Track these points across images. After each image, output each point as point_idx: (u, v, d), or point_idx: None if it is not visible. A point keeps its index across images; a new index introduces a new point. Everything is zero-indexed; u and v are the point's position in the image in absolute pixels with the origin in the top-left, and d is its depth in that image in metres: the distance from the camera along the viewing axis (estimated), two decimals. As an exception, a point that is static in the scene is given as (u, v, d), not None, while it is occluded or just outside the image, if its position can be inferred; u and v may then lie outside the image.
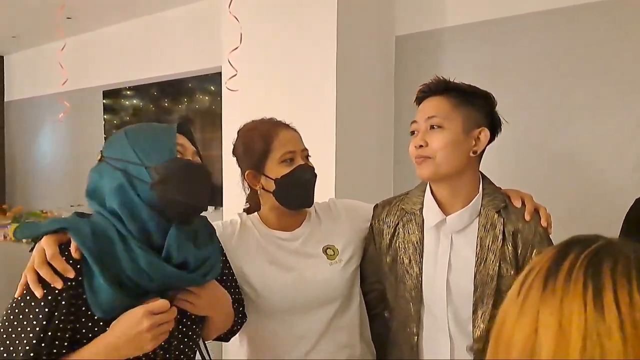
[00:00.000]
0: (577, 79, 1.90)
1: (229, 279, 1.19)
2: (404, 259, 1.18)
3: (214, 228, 1.12)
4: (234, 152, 1.33)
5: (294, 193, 1.24)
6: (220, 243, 1.13)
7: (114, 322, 0.90)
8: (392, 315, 1.24)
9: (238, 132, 1.33)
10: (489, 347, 0.54)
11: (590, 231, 0.55)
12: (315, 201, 1.38)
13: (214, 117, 3.17)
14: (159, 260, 0.93)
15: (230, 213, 2.39)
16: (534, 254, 1.10)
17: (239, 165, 1.32)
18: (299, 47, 2.12)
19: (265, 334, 1.26)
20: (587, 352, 0.44)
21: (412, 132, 1.17)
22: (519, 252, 1.10)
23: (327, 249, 1.29)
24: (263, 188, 1.26)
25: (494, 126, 1.17)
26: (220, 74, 2.99)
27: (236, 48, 1.77)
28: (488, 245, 1.11)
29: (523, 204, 1.15)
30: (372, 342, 1.40)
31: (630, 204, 1.32)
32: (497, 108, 1.18)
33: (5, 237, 4.14)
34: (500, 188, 1.19)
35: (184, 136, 1.05)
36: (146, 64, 3.59)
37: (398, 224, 1.21)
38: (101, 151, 1.01)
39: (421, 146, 1.12)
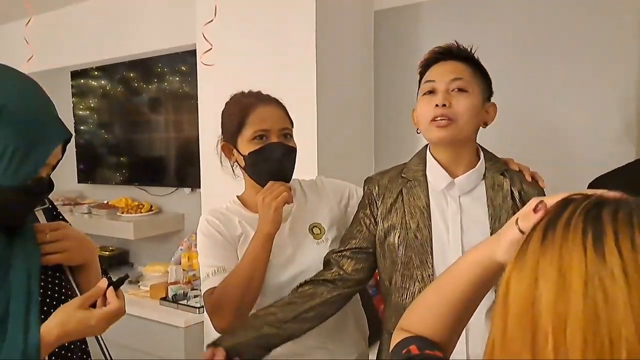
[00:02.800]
0: (557, 54, 1.89)
1: None
2: (411, 224, 1.15)
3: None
4: (221, 122, 1.31)
5: (265, 170, 1.22)
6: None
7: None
8: (390, 283, 1.20)
9: (226, 102, 1.32)
10: (495, 306, 0.52)
11: None
12: (301, 178, 1.36)
13: (185, 99, 3.09)
14: None
15: (207, 195, 2.34)
16: None
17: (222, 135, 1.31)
18: (277, 21, 2.05)
19: None
20: (589, 297, 0.43)
21: (429, 92, 1.13)
22: None
23: (313, 227, 1.29)
24: (237, 162, 1.25)
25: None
26: (192, 52, 2.91)
27: (210, 21, 1.71)
28: (499, 204, 1.12)
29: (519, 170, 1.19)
30: (364, 316, 1.39)
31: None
32: None
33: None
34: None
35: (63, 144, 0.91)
36: (115, 43, 3.46)
37: (401, 190, 1.19)
38: None
39: (444, 105, 1.09)
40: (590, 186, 1.39)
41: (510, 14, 1.98)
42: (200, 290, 2.53)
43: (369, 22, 2.27)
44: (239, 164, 1.26)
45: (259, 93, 1.30)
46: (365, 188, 1.25)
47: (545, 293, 0.46)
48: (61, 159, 0.93)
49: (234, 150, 1.25)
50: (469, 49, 1.16)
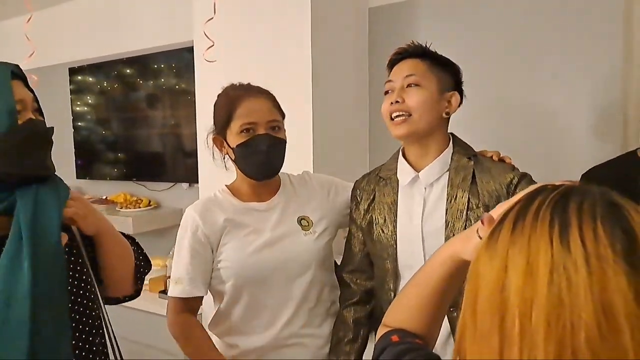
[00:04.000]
0: (548, 48, 1.93)
1: None
2: (379, 219, 1.22)
3: (66, 190, 1.03)
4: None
5: (253, 162, 1.25)
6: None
7: None
8: (374, 275, 1.29)
9: (218, 94, 1.34)
10: (465, 292, 0.56)
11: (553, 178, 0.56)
12: (290, 173, 1.39)
13: (181, 95, 3.12)
14: None
15: (205, 190, 2.37)
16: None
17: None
18: (273, 18, 2.09)
19: (246, 305, 1.26)
20: (554, 284, 0.46)
21: (386, 92, 1.20)
22: (491, 186, 1.14)
23: (301, 219, 1.31)
24: (228, 154, 1.27)
25: (461, 95, 1.23)
26: (188, 49, 2.94)
27: (211, 19, 1.74)
28: (458, 184, 1.15)
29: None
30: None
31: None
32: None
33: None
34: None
35: (20, 81, 0.93)
36: (112, 40, 3.48)
37: (375, 189, 1.26)
38: None
39: (397, 102, 1.15)
40: (583, 177, 1.44)
41: (503, 9, 2.02)
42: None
43: (364, 18, 2.31)
44: (229, 156, 1.29)
45: (248, 85, 1.32)
46: (352, 192, 1.33)
47: (514, 280, 0.49)
48: (33, 96, 0.95)
49: (224, 143, 1.27)
50: (424, 45, 1.22)
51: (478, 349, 0.51)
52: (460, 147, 1.22)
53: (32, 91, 0.96)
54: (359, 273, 1.31)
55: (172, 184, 3.11)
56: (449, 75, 1.20)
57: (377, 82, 2.32)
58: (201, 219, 1.25)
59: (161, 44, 3.19)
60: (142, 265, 1.17)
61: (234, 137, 1.24)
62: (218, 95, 1.33)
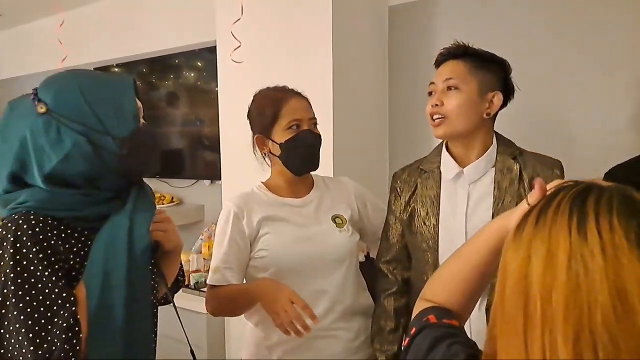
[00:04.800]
0: (568, 47, 1.93)
1: None
2: (421, 211, 1.26)
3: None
4: (248, 116, 1.40)
5: (299, 156, 1.32)
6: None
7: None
8: (411, 266, 1.32)
9: (253, 97, 1.40)
10: (496, 281, 0.60)
11: None
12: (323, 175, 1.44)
13: (202, 93, 3.17)
14: None
15: (228, 187, 2.42)
16: None
17: (251, 129, 1.38)
18: (294, 18, 2.12)
19: None
20: (572, 270, 0.51)
21: (430, 93, 1.25)
22: None
23: (335, 217, 1.38)
24: (270, 152, 1.32)
25: (508, 91, 1.25)
26: (208, 49, 2.99)
27: (238, 19, 1.78)
28: (505, 188, 1.19)
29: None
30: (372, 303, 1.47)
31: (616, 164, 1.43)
32: None
33: None
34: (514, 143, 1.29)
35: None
36: (135, 40, 3.56)
37: (417, 182, 1.29)
38: (42, 100, 0.93)
39: (437, 105, 1.20)
40: (607, 175, 1.44)
41: (523, 7, 2.02)
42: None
43: (384, 17, 2.33)
44: (272, 153, 1.34)
45: (285, 87, 1.39)
46: (392, 182, 1.36)
47: (536, 267, 0.53)
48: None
49: (268, 141, 1.33)
50: (466, 45, 1.24)
51: (506, 331, 0.55)
52: (505, 145, 1.25)
53: (142, 100, 1.06)
54: (396, 263, 1.34)
55: (194, 180, 3.17)
56: (492, 74, 1.22)
57: (396, 80, 2.34)
58: (240, 212, 1.32)
59: (183, 44, 3.25)
60: (180, 281, 1.23)
61: (281, 134, 1.31)
62: (255, 99, 1.39)
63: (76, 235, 0.96)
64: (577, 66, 1.92)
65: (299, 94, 1.37)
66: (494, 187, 1.20)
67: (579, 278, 0.50)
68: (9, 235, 0.88)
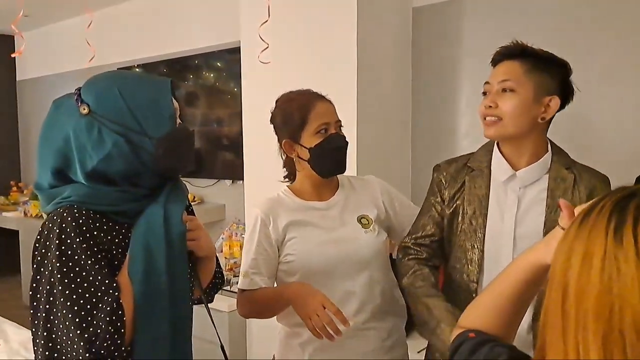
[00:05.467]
0: (599, 45, 1.90)
1: None
2: (468, 210, 1.23)
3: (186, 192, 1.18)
4: (272, 121, 1.39)
5: (328, 160, 1.33)
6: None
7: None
8: (448, 263, 1.29)
9: (276, 101, 1.40)
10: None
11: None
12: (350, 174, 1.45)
13: (223, 94, 3.20)
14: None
15: (250, 186, 2.44)
16: None
17: (276, 134, 1.37)
18: (320, 20, 2.13)
19: None
20: (605, 272, 0.52)
21: (484, 93, 1.22)
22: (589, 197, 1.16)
23: (361, 218, 1.38)
24: (299, 156, 1.32)
25: (567, 94, 1.21)
26: (228, 50, 3.03)
27: (266, 21, 1.79)
28: (558, 197, 1.16)
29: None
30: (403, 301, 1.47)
31: None
32: None
33: (25, 214, 4.23)
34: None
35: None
36: (158, 42, 3.60)
37: (465, 179, 1.26)
38: (84, 101, 0.98)
39: (490, 107, 1.17)
40: (638, 180, 1.41)
41: (549, 7, 2.01)
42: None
43: (408, 18, 2.33)
44: (301, 158, 1.34)
45: (309, 90, 1.38)
46: (435, 176, 1.32)
47: (574, 267, 0.55)
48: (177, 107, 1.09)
49: (297, 146, 1.33)
50: (524, 44, 1.19)
51: (550, 328, 0.57)
52: (559, 154, 1.22)
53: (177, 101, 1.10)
54: (426, 248, 1.30)
55: (216, 180, 3.20)
56: (550, 76, 1.18)
57: (419, 80, 2.34)
58: (266, 218, 1.33)
59: (205, 46, 3.29)
60: (217, 283, 1.25)
61: (310, 139, 1.31)
62: (280, 104, 1.38)
63: (117, 227, 1.01)
64: (610, 68, 1.89)
65: (323, 98, 1.36)
66: (547, 195, 1.18)
67: (612, 280, 0.52)
68: (55, 227, 0.94)
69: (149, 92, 1.01)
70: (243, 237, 2.80)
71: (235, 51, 2.88)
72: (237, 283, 2.55)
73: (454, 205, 1.26)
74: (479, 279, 1.21)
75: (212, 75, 3.33)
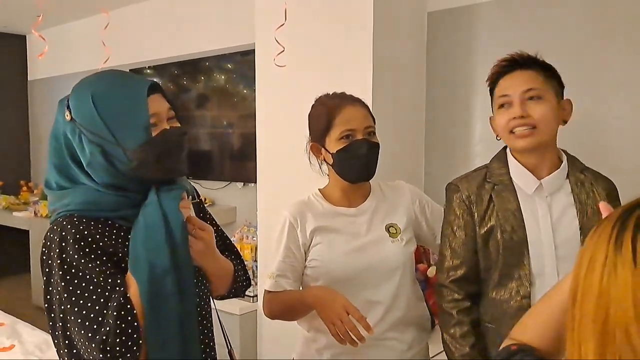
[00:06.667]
0: (614, 54, 1.89)
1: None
2: (506, 227, 1.21)
3: (194, 191, 1.15)
4: (308, 121, 1.40)
5: (351, 166, 1.32)
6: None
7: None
8: (489, 280, 1.25)
9: (314, 103, 1.40)
10: None
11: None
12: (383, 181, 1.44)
13: (231, 96, 3.20)
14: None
15: (263, 190, 2.44)
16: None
17: (309, 135, 1.40)
18: (336, 24, 2.13)
19: None
20: (604, 277, 0.55)
21: (502, 106, 1.21)
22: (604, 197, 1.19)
23: (389, 227, 1.37)
24: (324, 160, 1.33)
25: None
26: (240, 53, 3.03)
27: (282, 25, 1.79)
28: (584, 200, 1.20)
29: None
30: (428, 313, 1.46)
31: None
32: None
33: (35, 214, 4.25)
34: None
35: (159, 94, 1.02)
36: (171, 43, 3.61)
37: (491, 194, 1.24)
38: (69, 107, 0.98)
39: (522, 117, 1.16)
40: None
41: (564, 13, 1.99)
42: (253, 281, 2.65)
43: (423, 23, 2.32)
44: (326, 161, 1.35)
45: (343, 94, 1.38)
46: (455, 196, 1.27)
47: (581, 272, 0.58)
48: (171, 107, 1.04)
49: (322, 150, 1.34)
50: (535, 56, 1.21)
51: (566, 324, 0.61)
52: (573, 159, 1.25)
53: (170, 101, 1.05)
54: (466, 281, 1.26)
55: (227, 182, 3.20)
56: (557, 82, 1.22)
57: (434, 85, 2.33)
58: (295, 221, 1.33)
59: (217, 47, 3.29)
60: (241, 286, 1.23)
61: (334, 144, 1.31)
62: (314, 106, 1.39)
63: (121, 230, 1.00)
64: (622, 71, 1.88)
65: (356, 102, 1.35)
66: (574, 200, 1.20)
67: (609, 285, 0.54)
68: (56, 237, 0.95)
69: (124, 101, 0.97)
70: (254, 240, 2.79)
71: (246, 53, 2.90)
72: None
73: (488, 225, 1.23)
74: (531, 294, 1.19)
75: (223, 77, 3.33)
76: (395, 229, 1.36)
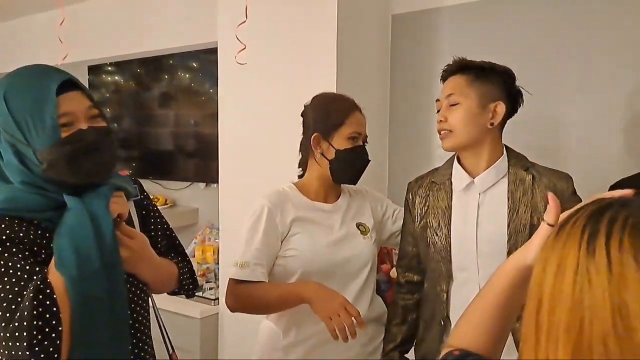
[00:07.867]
0: (573, 60, 1.94)
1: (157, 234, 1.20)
2: (433, 222, 1.29)
3: (128, 187, 1.09)
4: (304, 114, 1.41)
5: (349, 167, 1.37)
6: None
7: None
8: (424, 274, 1.37)
9: (316, 97, 1.41)
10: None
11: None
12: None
13: (196, 95, 3.15)
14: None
15: (225, 189, 2.40)
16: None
17: (303, 127, 1.40)
18: (299, 24, 2.11)
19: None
20: (577, 284, 0.53)
21: (438, 111, 1.30)
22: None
23: (359, 225, 1.42)
24: (322, 154, 1.33)
25: (514, 100, 1.28)
26: (204, 51, 2.98)
27: (243, 22, 1.77)
28: (519, 198, 1.23)
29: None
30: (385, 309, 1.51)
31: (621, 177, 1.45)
32: None
33: None
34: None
35: (76, 91, 0.98)
36: (131, 39, 3.52)
37: (429, 194, 1.33)
38: None
39: (441, 121, 1.27)
40: (611, 188, 1.45)
41: (525, 16, 2.03)
42: (215, 284, 2.60)
43: (387, 25, 2.33)
44: (324, 156, 1.35)
45: (351, 98, 1.42)
46: (406, 195, 1.40)
47: (548, 279, 0.56)
48: (91, 104, 0.99)
49: (325, 143, 1.35)
50: (463, 59, 1.29)
51: (524, 340, 0.58)
52: (516, 157, 1.29)
53: (91, 98, 1.00)
54: (407, 269, 1.41)
55: (189, 183, 3.14)
56: (493, 84, 1.26)
57: (398, 88, 2.34)
58: (274, 209, 1.32)
59: (180, 45, 3.22)
60: (187, 288, 1.22)
61: (342, 141, 1.35)
62: (324, 99, 1.41)
63: (47, 232, 0.96)
64: (580, 76, 1.93)
65: (360, 110, 1.41)
66: (508, 198, 1.23)
67: (583, 292, 0.52)
68: None
69: (33, 99, 0.93)
70: (217, 242, 2.74)
71: (211, 52, 2.84)
72: (210, 289, 2.51)
73: (423, 222, 1.32)
74: (449, 288, 1.27)
75: (187, 75, 3.26)
76: (365, 227, 1.41)
